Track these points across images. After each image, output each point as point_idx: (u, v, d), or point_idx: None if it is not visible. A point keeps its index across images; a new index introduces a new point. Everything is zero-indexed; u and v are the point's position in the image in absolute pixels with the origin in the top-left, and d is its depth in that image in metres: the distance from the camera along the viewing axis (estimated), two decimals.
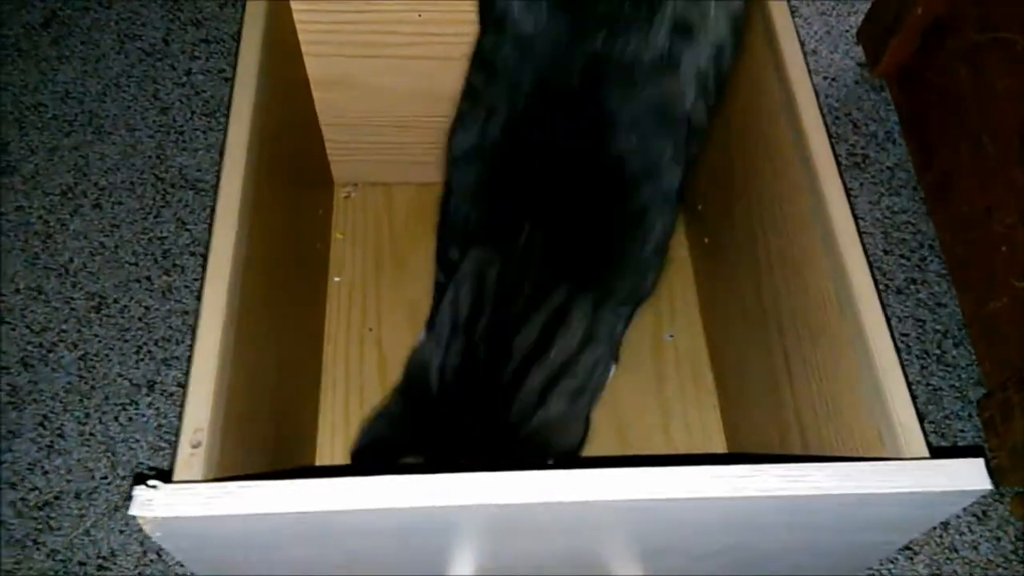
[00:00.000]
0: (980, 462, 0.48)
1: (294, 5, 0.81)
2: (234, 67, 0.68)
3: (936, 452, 0.52)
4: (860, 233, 0.62)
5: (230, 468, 0.54)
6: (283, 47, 0.78)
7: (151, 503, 0.44)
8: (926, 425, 0.97)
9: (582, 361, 0.68)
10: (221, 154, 0.63)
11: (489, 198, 0.71)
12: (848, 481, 0.47)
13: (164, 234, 1.05)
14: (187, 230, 1.06)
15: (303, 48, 0.85)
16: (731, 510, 0.48)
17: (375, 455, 0.67)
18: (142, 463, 0.92)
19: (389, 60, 0.88)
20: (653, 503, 0.45)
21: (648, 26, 0.65)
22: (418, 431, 0.66)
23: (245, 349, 0.59)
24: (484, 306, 0.67)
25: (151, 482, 0.45)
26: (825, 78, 1.22)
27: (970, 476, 0.48)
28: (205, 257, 0.55)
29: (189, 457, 0.50)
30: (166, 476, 0.48)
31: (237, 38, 0.69)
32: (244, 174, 0.62)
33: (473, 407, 0.66)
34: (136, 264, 1.03)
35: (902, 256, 1.08)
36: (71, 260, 1.03)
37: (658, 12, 0.65)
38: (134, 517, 0.44)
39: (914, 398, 0.55)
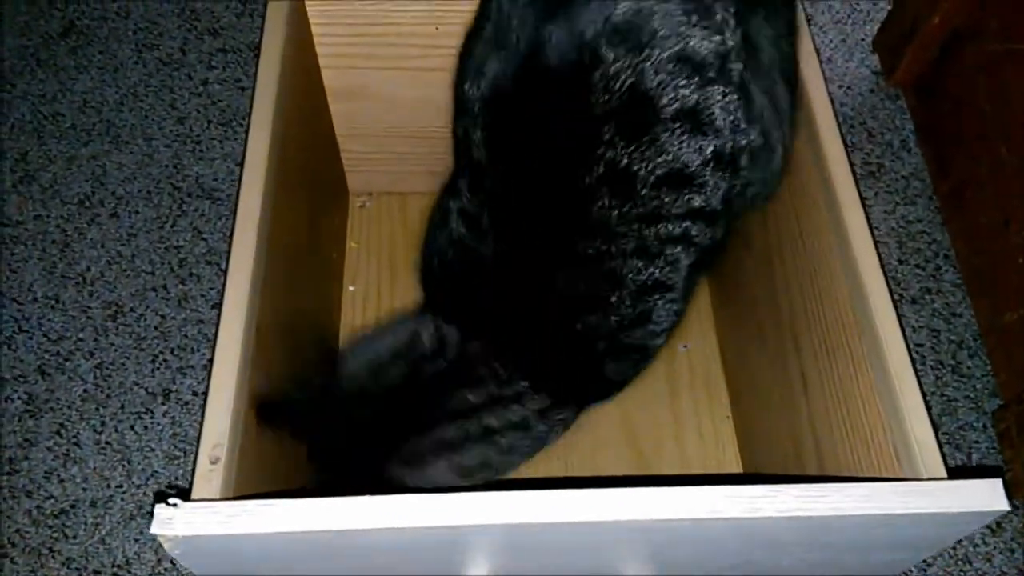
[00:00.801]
0: (998, 483, 0.48)
1: (312, 17, 0.81)
2: (254, 78, 0.69)
3: (953, 470, 0.52)
4: (876, 243, 0.62)
5: (249, 483, 0.54)
6: (301, 58, 0.79)
7: (171, 521, 0.45)
8: (940, 436, 0.96)
9: None
10: (241, 164, 0.64)
11: None
12: (867, 502, 0.47)
13: (180, 243, 1.06)
14: (203, 239, 1.06)
15: (320, 60, 0.86)
16: (749, 530, 0.48)
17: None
18: (157, 472, 0.92)
19: (405, 72, 0.89)
20: (670, 523, 0.45)
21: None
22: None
23: (264, 361, 0.60)
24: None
25: (171, 500, 0.45)
26: (840, 86, 1.21)
27: (989, 497, 0.48)
28: (221, 266, 0.56)
29: (208, 473, 0.51)
30: (185, 493, 0.49)
31: (255, 48, 0.70)
32: (264, 184, 0.63)
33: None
34: (152, 273, 1.04)
35: (917, 266, 1.07)
36: (88, 269, 1.04)
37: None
38: (149, 525, 0.45)
39: (929, 409, 0.54)
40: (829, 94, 0.70)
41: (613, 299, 0.63)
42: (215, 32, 1.24)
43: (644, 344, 0.68)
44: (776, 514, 0.45)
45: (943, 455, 0.53)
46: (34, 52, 1.21)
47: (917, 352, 1.01)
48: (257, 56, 0.70)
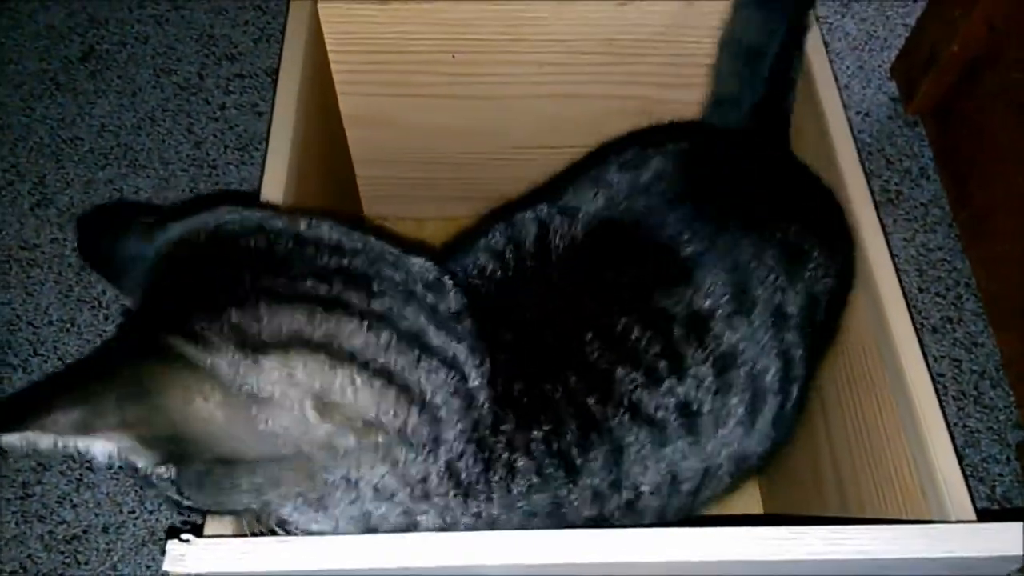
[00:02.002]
0: None
1: (329, 44, 0.81)
2: (272, 103, 0.69)
3: (981, 512, 0.50)
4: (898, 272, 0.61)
5: None
6: (318, 84, 0.79)
7: (183, 558, 0.44)
8: (963, 468, 0.95)
9: None
10: (258, 189, 0.64)
11: None
12: (893, 544, 0.46)
13: None
14: None
15: (337, 87, 0.86)
16: (773, 571, 0.47)
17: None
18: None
19: (422, 99, 0.89)
20: (695, 565, 0.44)
21: None
22: None
23: None
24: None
25: (184, 536, 0.45)
26: (857, 113, 1.21)
27: (1018, 541, 0.46)
28: None
29: None
30: (197, 528, 0.48)
31: (272, 74, 0.71)
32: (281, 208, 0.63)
33: None
34: None
35: (937, 294, 1.06)
36: (103, 292, 1.04)
37: None
38: (160, 552, 0.44)
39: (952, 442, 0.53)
40: (848, 120, 0.70)
41: None
42: (232, 57, 1.24)
43: None
44: (803, 556, 0.44)
45: (971, 494, 0.51)
46: (53, 76, 1.22)
47: (939, 382, 1.00)
48: (275, 82, 0.70)
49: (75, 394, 0.41)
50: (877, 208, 0.64)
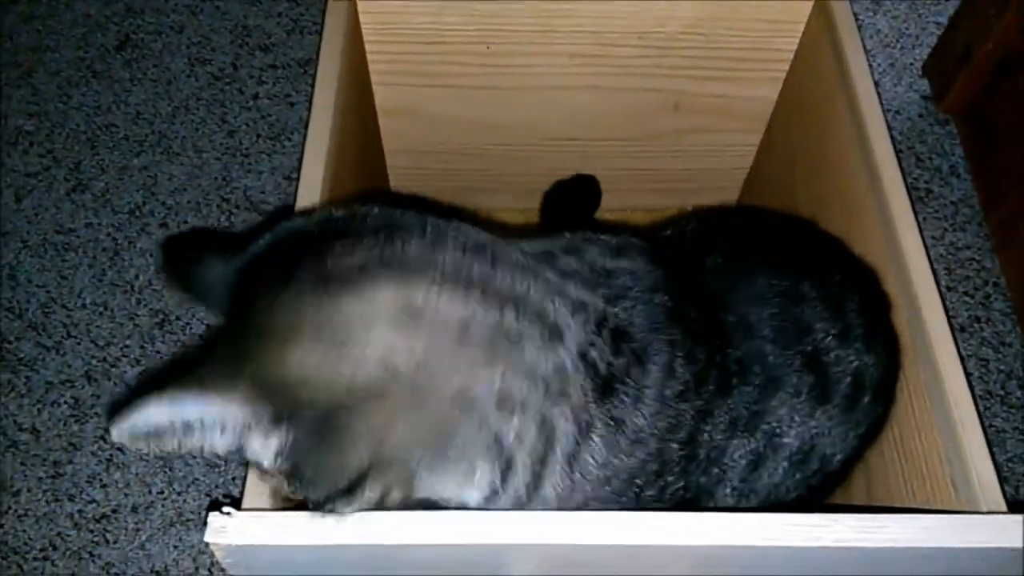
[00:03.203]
0: None
1: (366, 35, 0.82)
2: (311, 92, 0.70)
3: (1012, 504, 0.50)
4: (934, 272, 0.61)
5: None
6: (355, 74, 0.80)
7: (224, 530, 0.45)
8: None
9: None
10: (296, 176, 0.65)
11: None
12: (925, 534, 0.46)
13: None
14: None
15: (372, 76, 0.86)
16: (803, 559, 0.47)
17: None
18: (198, 479, 0.93)
19: (454, 90, 0.89)
20: (726, 549, 0.45)
21: None
22: None
23: None
24: None
25: (225, 509, 0.46)
26: (889, 110, 1.20)
27: None
28: None
29: (259, 482, 0.51)
30: (236, 502, 0.49)
31: (305, 65, 0.72)
32: (318, 197, 0.64)
33: None
34: None
35: (966, 293, 1.06)
36: (136, 277, 1.06)
37: None
38: (187, 533, 0.45)
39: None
40: (884, 116, 0.70)
41: None
42: (266, 48, 1.26)
43: None
44: (833, 544, 0.45)
45: (1003, 489, 0.51)
46: (90, 64, 1.24)
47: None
48: (311, 72, 0.71)
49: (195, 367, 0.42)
50: (913, 207, 0.64)
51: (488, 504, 0.47)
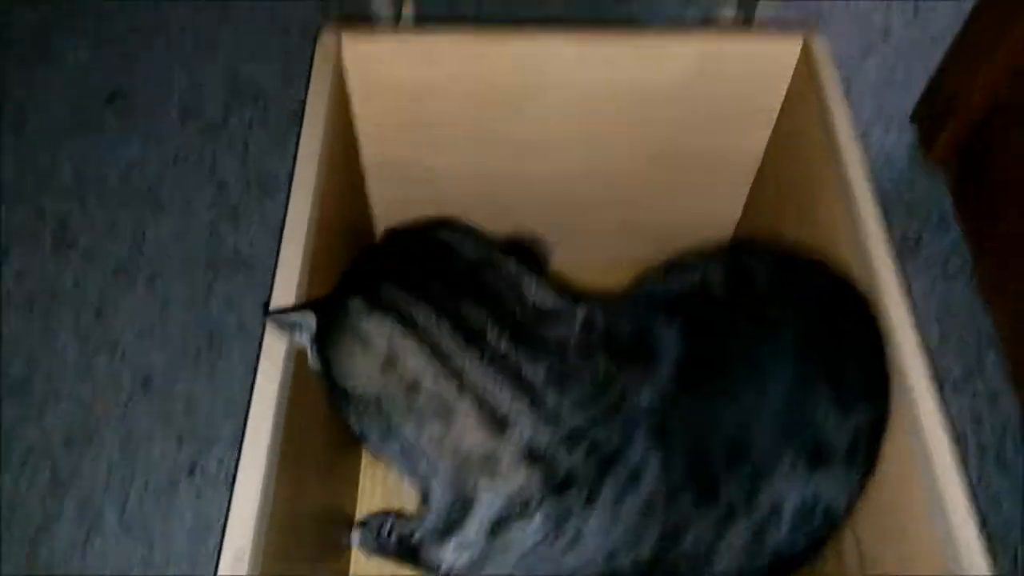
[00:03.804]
0: None
1: (352, 90, 0.82)
2: (295, 148, 0.71)
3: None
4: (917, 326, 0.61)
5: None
6: (341, 128, 0.80)
7: None
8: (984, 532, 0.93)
9: None
10: (279, 235, 0.65)
11: None
12: None
13: (213, 314, 1.07)
14: (235, 312, 1.07)
15: (358, 129, 0.86)
16: None
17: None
18: (178, 553, 0.91)
19: (441, 143, 0.89)
20: None
21: None
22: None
23: (290, 459, 0.59)
24: None
25: None
26: (878, 159, 1.20)
27: None
28: (253, 337, 0.59)
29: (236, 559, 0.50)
30: None
31: (296, 116, 0.72)
32: (301, 258, 0.64)
33: None
34: (184, 344, 1.05)
35: (958, 347, 1.05)
36: (121, 337, 1.05)
37: None
38: None
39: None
40: (869, 170, 0.69)
41: None
42: (257, 98, 1.26)
43: None
44: None
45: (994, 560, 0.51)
46: (81, 116, 1.24)
47: (959, 440, 0.98)
48: (299, 124, 0.72)
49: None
50: (902, 260, 0.64)
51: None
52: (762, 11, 1.13)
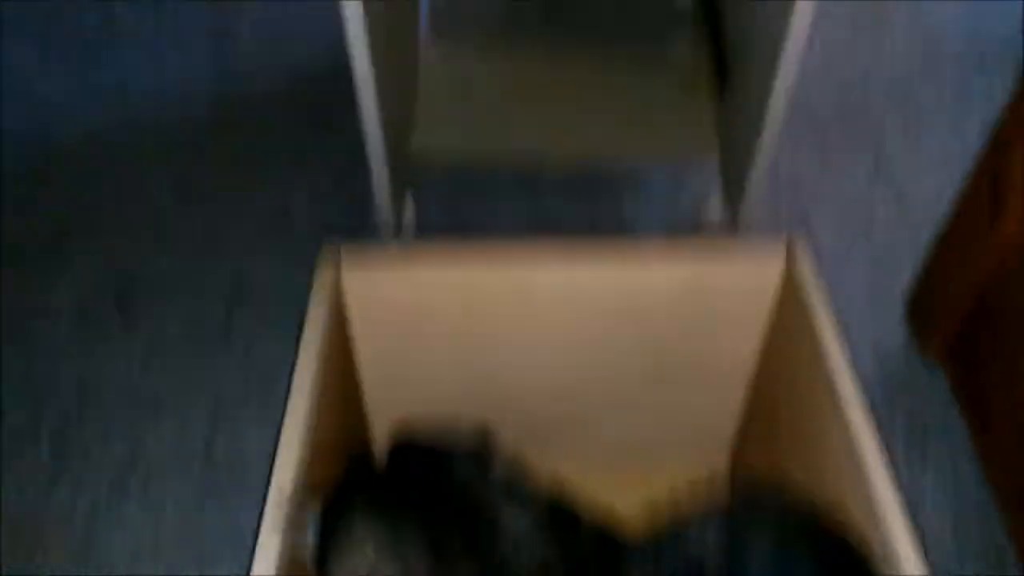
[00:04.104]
0: None
1: (349, 304, 0.84)
2: (294, 357, 0.73)
3: None
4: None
5: None
6: (337, 334, 0.82)
7: None
8: None
9: None
10: (275, 443, 0.67)
11: None
12: None
13: (208, 522, 1.05)
14: (229, 520, 1.05)
15: (355, 336, 0.88)
16: None
17: None
18: None
19: (437, 357, 0.90)
20: None
21: None
22: None
23: None
24: None
25: None
26: (870, 353, 1.20)
27: None
28: (245, 547, 0.59)
29: None
30: None
31: (298, 318, 0.76)
32: (296, 467, 0.65)
33: None
34: (177, 556, 1.02)
35: (977, 559, 1.01)
36: (113, 551, 1.02)
37: None
38: None
39: None
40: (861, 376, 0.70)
41: None
42: (261, 300, 1.28)
43: None
44: None
45: None
46: (85, 325, 1.26)
47: None
48: (298, 335, 0.75)
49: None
50: (905, 471, 0.63)
51: None
52: (748, 211, 1.17)
